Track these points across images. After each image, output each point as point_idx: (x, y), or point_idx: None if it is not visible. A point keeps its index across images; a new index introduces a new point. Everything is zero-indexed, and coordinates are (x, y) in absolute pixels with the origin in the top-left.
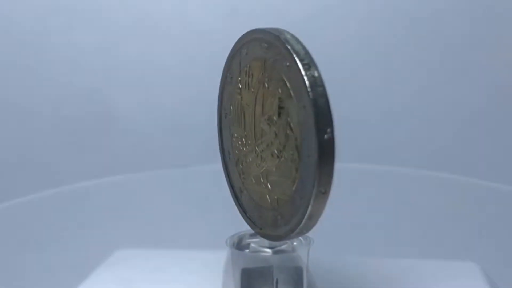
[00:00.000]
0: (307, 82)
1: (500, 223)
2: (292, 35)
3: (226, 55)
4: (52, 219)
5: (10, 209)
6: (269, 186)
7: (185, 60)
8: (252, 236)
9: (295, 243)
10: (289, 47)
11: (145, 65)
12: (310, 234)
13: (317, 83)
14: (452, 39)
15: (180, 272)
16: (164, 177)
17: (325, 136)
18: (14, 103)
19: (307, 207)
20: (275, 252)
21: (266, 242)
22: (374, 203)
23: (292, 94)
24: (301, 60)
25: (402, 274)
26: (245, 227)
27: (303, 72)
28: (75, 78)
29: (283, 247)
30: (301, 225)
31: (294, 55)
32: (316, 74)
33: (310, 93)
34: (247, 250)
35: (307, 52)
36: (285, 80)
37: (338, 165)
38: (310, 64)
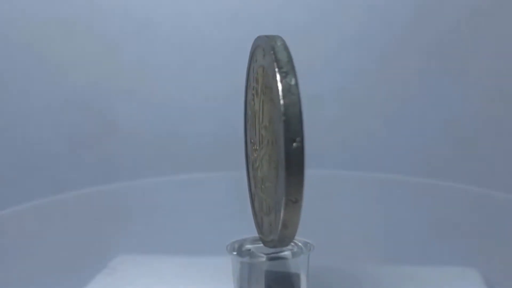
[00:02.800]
0: (280, 90)
1: (501, 229)
2: (283, 43)
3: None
4: (53, 225)
5: (12, 215)
6: (264, 192)
7: (186, 67)
8: (253, 242)
9: (295, 250)
10: (272, 54)
11: (146, 71)
12: (311, 240)
13: (291, 91)
14: (451, 42)
15: (183, 278)
16: (166, 184)
17: (294, 145)
18: (14, 111)
19: (280, 215)
20: (269, 259)
21: (267, 248)
22: (373, 210)
23: (274, 101)
24: (279, 68)
25: (401, 280)
26: (248, 234)
27: (278, 79)
28: (76, 85)
29: (284, 253)
30: (279, 234)
31: (275, 63)
32: (292, 82)
33: (281, 100)
34: (250, 257)
35: (289, 61)
36: (271, 87)
37: (337, 173)
38: (288, 72)
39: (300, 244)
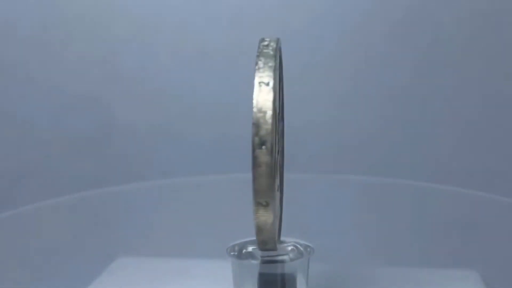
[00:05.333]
0: (255, 92)
1: (500, 231)
2: (272, 45)
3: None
4: (53, 228)
5: (12, 218)
6: None
7: (186, 69)
8: (253, 244)
9: (294, 253)
10: (258, 56)
11: (146, 74)
12: (311, 243)
13: (265, 94)
14: (449, 46)
15: (181, 281)
16: (166, 186)
17: (263, 147)
18: (14, 113)
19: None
20: (264, 261)
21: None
22: (373, 213)
23: None
24: (258, 70)
25: (401, 282)
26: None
27: (256, 82)
28: (76, 87)
29: (282, 257)
30: (256, 238)
31: (256, 67)
32: (269, 85)
33: (254, 103)
34: (249, 259)
35: (269, 63)
36: None
37: (341, 177)
38: (266, 75)
39: (300, 247)
